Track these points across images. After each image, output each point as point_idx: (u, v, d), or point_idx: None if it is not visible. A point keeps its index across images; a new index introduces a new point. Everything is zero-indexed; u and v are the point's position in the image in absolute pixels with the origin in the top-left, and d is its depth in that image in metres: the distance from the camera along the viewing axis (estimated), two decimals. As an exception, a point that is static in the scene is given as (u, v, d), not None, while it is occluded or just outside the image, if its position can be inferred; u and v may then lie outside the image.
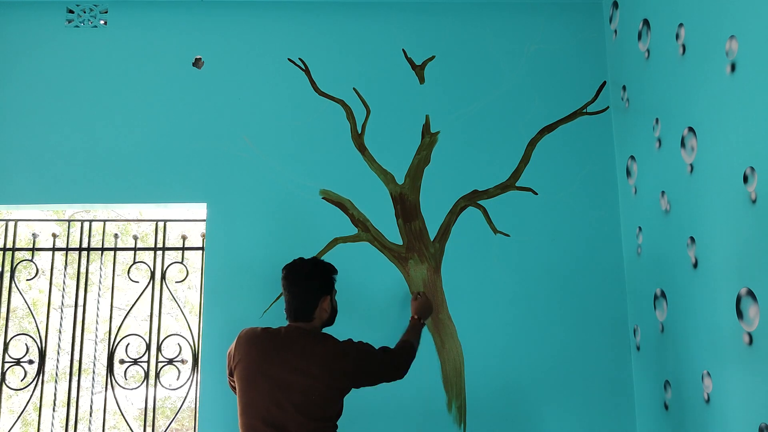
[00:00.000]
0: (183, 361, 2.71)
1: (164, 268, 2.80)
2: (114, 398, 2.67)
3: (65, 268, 3.13)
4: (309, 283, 2.05)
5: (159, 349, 2.70)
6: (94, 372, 2.88)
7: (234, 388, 2.08)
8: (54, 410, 2.76)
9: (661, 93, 2.33)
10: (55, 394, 2.79)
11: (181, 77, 2.78)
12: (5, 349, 2.68)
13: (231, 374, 2.06)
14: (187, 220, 2.99)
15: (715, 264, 1.96)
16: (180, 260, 2.85)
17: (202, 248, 2.75)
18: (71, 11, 2.82)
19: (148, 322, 2.75)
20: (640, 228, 2.55)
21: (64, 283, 2.91)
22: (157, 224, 2.88)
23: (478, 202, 2.73)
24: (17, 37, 2.79)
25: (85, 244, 2.81)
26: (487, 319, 2.64)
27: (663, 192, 2.33)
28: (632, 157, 2.61)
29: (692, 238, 2.11)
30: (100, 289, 2.97)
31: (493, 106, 2.81)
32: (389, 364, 2.11)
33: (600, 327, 2.65)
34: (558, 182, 2.76)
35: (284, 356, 1.93)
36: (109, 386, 2.69)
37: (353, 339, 2.08)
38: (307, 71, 2.82)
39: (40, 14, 2.81)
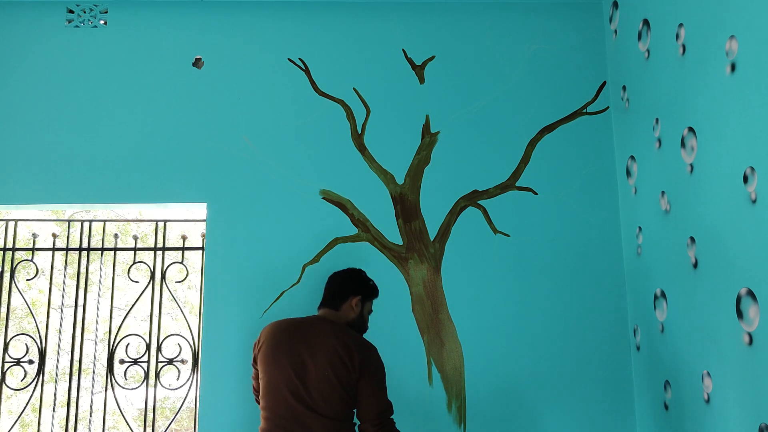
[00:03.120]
0: (183, 361, 2.71)
1: (164, 268, 2.80)
2: (114, 398, 2.67)
3: (65, 268, 3.13)
4: (347, 279, 2.20)
5: (159, 349, 2.70)
6: (94, 372, 2.88)
7: (255, 381, 2.16)
8: (54, 410, 2.76)
9: (661, 93, 2.33)
10: (54, 395, 2.79)
11: (181, 77, 2.78)
12: (5, 349, 2.68)
13: (255, 362, 2.12)
14: (187, 220, 2.99)
15: (715, 264, 1.96)
16: (180, 260, 2.85)
17: (202, 248, 2.75)
18: (71, 11, 2.82)
19: (148, 322, 2.75)
20: (640, 228, 2.55)
21: (64, 283, 2.91)
22: (157, 224, 2.88)
23: (478, 202, 2.73)
24: (17, 37, 2.79)
25: (85, 244, 2.81)
26: (486, 319, 2.64)
27: (663, 192, 2.33)
28: (632, 157, 2.62)
29: (692, 238, 2.11)
30: (100, 289, 2.97)
31: (493, 106, 2.82)
32: (384, 407, 2.01)
33: (600, 327, 2.65)
34: (558, 182, 2.76)
35: (307, 336, 2.02)
36: (109, 386, 2.69)
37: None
38: (307, 71, 2.82)
39: (40, 14, 2.81)
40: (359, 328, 2.17)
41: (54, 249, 2.79)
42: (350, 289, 2.16)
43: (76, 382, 2.76)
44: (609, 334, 2.65)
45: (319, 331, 2.03)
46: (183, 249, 2.86)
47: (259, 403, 2.18)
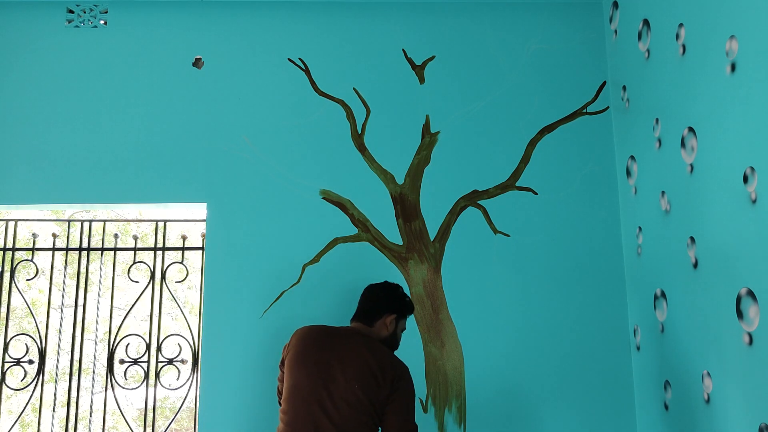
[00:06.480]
0: (183, 361, 2.71)
1: (164, 268, 2.80)
2: (114, 398, 2.67)
3: (65, 268, 3.13)
4: (383, 295, 2.14)
5: (159, 349, 2.70)
6: (94, 372, 2.88)
7: (280, 383, 2.15)
8: (54, 410, 2.76)
9: (661, 93, 2.33)
10: (54, 395, 2.79)
11: (181, 77, 2.78)
12: (5, 349, 2.68)
13: (282, 364, 2.09)
14: (187, 220, 2.99)
15: (715, 264, 1.96)
16: (180, 260, 2.85)
17: (202, 248, 2.76)
18: (71, 11, 2.82)
19: (148, 322, 2.75)
20: (640, 228, 2.55)
21: (64, 283, 2.91)
22: (157, 224, 2.88)
23: (478, 202, 2.73)
24: (17, 37, 2.79)
25: (85, 244, 2.81)
26: (487, 320, 2.64)
27: (663, 192, 2.33)
28: (632, 157, 2.62)
29: (692, 238, 2.11)
30: (100, 289, 2.97)
31: (493, 106, 2.82)
32: (409, 429, 1.96)
33: (600, 327, 2.65)
34: (558, 182, 2.76)
35: (337, 345, 1.98)
36: (109, 386, 2.69)
37: None
38: (307, 71, 2.82)
39: (40, 14, 2.81)
40: (391, 345, 2.11)
41: (54, 249, 2.79)
42: (386, 307, 2.11)
43: (76, 382, 2.76)
44: (609, 334, 2.65)
45: (353, 343, 1.98)
46: (183, 249, 2.86)
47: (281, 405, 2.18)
